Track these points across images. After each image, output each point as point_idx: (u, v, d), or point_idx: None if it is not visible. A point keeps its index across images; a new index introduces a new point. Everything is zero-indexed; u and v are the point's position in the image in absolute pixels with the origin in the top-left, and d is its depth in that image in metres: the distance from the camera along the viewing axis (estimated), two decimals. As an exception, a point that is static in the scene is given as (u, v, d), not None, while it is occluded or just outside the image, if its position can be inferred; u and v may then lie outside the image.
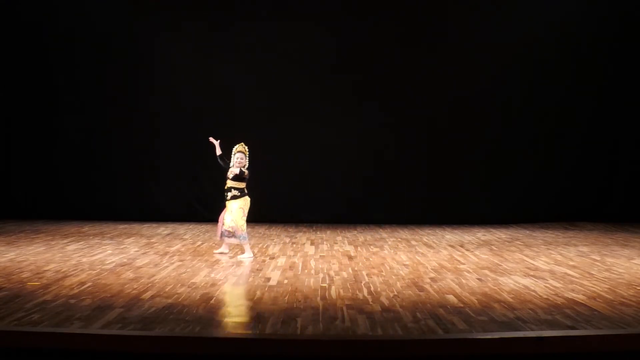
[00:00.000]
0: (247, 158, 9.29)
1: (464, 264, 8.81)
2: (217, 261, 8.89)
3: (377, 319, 5.88)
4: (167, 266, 8.39)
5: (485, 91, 13.80)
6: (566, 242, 10.95)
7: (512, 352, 5.25)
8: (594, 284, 7.42)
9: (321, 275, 7.92)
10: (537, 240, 11.30)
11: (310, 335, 5.41)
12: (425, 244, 10.74)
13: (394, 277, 7.84)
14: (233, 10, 13.79)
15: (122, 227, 12.54)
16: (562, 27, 13.88)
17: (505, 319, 5.88)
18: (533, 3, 13.88)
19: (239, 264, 8.66)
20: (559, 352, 5.25)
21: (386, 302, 6.51)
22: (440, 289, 7.14)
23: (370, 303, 6.48)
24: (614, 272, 8.23)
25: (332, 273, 8.06)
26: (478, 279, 7.73)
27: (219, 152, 9.43)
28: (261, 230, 12.48)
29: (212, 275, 7.93)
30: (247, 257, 9.10)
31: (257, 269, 8.26)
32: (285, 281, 7.51)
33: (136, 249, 9.81)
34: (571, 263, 8.88)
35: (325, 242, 10.90)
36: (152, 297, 6.62)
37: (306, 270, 8.22)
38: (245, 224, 9.17)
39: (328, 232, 12.33)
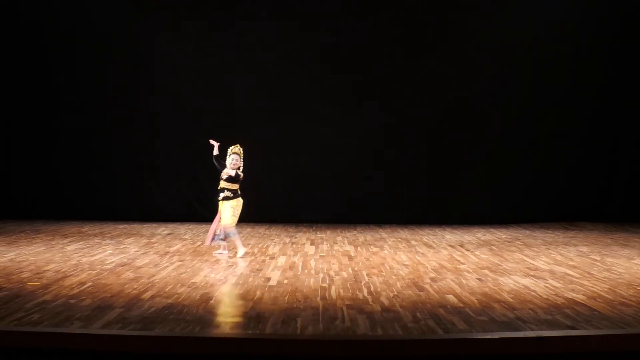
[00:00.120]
0: (242, 160, 9.28)
1: (464, 264, 8.81)
2: (217, 261, 8.89)
3: (377, 319, 5.88)
4: (167, 266, 8.39)
5: (485, 91, 13.80)
6: (566, 242, 10.95)
7: (512, 352, 5.25)
8: (594, 284, 7.42)
9: (321, 275, 7.92)
10: (537, 240, 11.30)
11: (310, 335, 5.41)
12: (425, 244, 10.74)
13: (394, 277, 7.84)
14: (233, 10, 13.79)
15: (122, 227, 12.54)
16: (562, 27, 13.88)
17: (505, 319, 5.88)
18: (533, 3, 13.88)
19: (239, 264, 8.66)
20: (559, 352, 5.25)
21: (386, 302, 6.51)
22: (440, 289, 7.14)
23: (370, 303, 6.48)
24: (614, 272, 8.23)
25: (332, 273, 8.06)
26: (478, 279, 7.73)
27: (216, 152, 9.42)
28: (261, 230, 12.48)
29: (212, 275, 7.93)
30: (240, 253, 9.18)
31: (257, 269, 8.26)
32: (285, 281, 7.51)
33: (136, 249, 9.81)
34: (571, 263, 8.87)
35: (325, 242, 10.90)
36: (152, 297, 6.62)
37: (306, 270, 8.22)
38: (233, 221, 9.18)
39: (328, 232, 12.34)
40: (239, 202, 9.26)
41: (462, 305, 6.42)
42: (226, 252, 9.37)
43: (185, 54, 13.82)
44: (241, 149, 9.32)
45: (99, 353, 5.23)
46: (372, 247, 10.41)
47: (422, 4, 13.90)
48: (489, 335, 5.40)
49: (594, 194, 14.08)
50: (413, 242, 10.95)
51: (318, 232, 12.26)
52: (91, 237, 11.10)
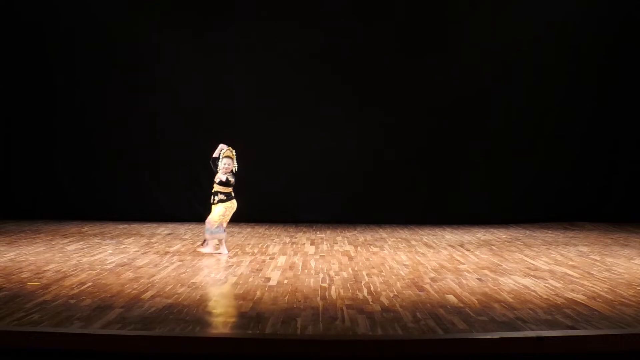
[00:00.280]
0: (235, 162, 9.29)
1: (464, 264, 8.81)
2: (217, 261, 8.89)
3: (377, 319, 5.88)
4: (167, 266, 8.39)
5: (485, 91, 13.81)
6: (566, 242, 10.95)
7: (512, 352, 5.25)
8: (594, 284, 7.42)
9: (321, 275, 7.92)
10: (537, 240, 11.30)
11: (310, 335, 5.41)
12: (425, 244, 10.74)
13: (394, 277, 7.84)
14: (233, 10, 13.79)
15: (122, 227, 12.54)
16: (562, 27, 13.88)
17: (505, 319, 5.88)
18: (533, 3, 13.88)
19: (239, 264, 8.66)
20: (559, 352, 5.25)
21: (386, 302, 6.51)
22: (440, 289, 7.14)
23: (370, 303, 6.48)
24: (614, 272, 8.23)
25: (332, 273, 8.05)
26: (478, 279, 7.73)
27: (215, 154, 9.43)
28: (261, 230, 12.48)
29: (212, 275, 7.94)
30: (206, 251, 9.26)
31: (257, 269, 8.26)
32: (285, 281, 7.51)
33: (136, 249, 9.81)
34: (571, 263, 8.87)
35: (325, 242, 10.90)
36: (152, 297, 6.62)
37: (306, 270, 8.22)
38: (217, 222, 9.21)
39: (328, 232, 12.33)
40: (232, 204, 9.31)
41: (462, 305, 6.41)
42: (226, 252, 9.38)
43: (185, 54, 13.82)
44: (234, 152, 9.32)
45: (99, 353, 5.23)
46: (372, 247, 10.41)
47: (422, 4, 13.89)
48: (489, 335, 5.39)
49: (594, 193, 14.08)
50: (413, 242, 10.95)
51: (318, 232, 12.26)
52: (91, 237, 11.10)
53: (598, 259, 9.24)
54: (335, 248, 10.26)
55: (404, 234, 12.14)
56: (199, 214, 13.46)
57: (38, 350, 5.26)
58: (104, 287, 7.07)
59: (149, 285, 7.20)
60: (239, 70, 13.83)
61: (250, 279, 7.61)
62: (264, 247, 10.29)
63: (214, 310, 6.34)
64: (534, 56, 13.83)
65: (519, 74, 13.82)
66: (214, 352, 5.22)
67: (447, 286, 7.30)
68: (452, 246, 10.52)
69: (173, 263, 8.63)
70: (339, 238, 11.47)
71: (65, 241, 10.60)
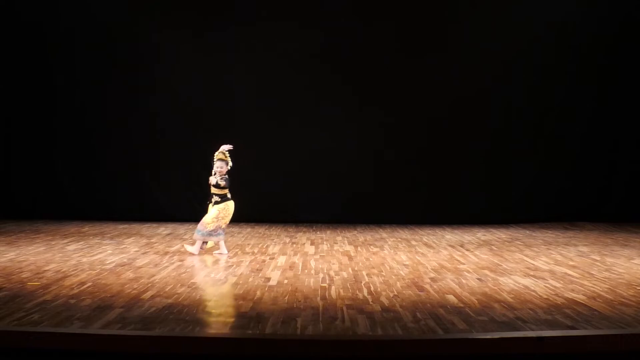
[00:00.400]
0: (229, 164, 9.29)
1: (464, 264, 8.81)
2: (217, 261, 8.89)
3: (377, 319, 5.88)
4: (167, 266, 8.39)
5: (485, 91, 13.81)
6: (566, 242, 10.95)
7: (512, 352, 5.25)
8: (594, 284, 7.42)
9: (321, 275, 7.92)
10: (537, 240, 11.30)
11: (310, 335, 5.41)
12: (425, 244, 10.74)
13: (394, 277, 7.84)
14: (233, 10, 13.79)
15: (122, 227, 12.54)
16: (562, 27, 13.88)
17: (505, 319, 5.88)
18: (533, 3, 13.88)
19: (238, 264, 8.66)
20: (559, 352, 5.25)
21: (386, 302, 6.51)
22: (440, 289, 7.14)
23: (370, 303, 6.48)
24: (614, 272, 8.23)
25: (332, 273, 8.05)
26: (478, 279, 7.73)
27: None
28: (261, 230, 12.48)
29: (212, 275, 7.93)
30: (193, 249, 9.23)
31: (257, 269, 8.26)
32: (285, 281, 7.51)
33: (136, 249, 9.81)
34: (571, 263, 8.87)
35: (325, 242, 10.90)
36: (152, 297, 6.62)
37: (306, 270, 8.22)
38: (214, 222, 9.19)
39: (328, 232, 12.34)
40: (226, 206, 9.30)
41: (462, 305, 6.41)
42: (226, 252, 9.38)
43: (185, 54, 13.82)
44: (226, 154, 9.32)
45: (99, 353, 5.23)
46: (372, 247, 10.41)
47: (422, 4, 13.89)
48: (489, 335, 5.39)
49: (594, 193, 14.08)
50: (413, 242, 10.95)
51: (318, 232, 12.26)
52: (91, 237, 11.10)
53: (598, 259, 9.24)
54: (335, 248, 10.26)
55: (404, 234, 12.14)
56: (199, 214, 13.51)
57: (38, 350, 5.26)
58: (104, 287, 7.07)
59: (149, 285, 7.20)
60: (239, 70, 13.83)
61: (250, 279, 7.61)
62: (264, 247, 10.29)
63: (214, 310, 6.34)
64: (534, 56, 13.83)
65: (519, 74, 13.82)
66: (214, 352, 5.22)
67: (447, 286, 7.30)
68: (452, 246, 10.52)
69: (173, 263, 8.62)
70: (339, 238, 11.47)
71: (65, 241, 10.60)
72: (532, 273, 8.08)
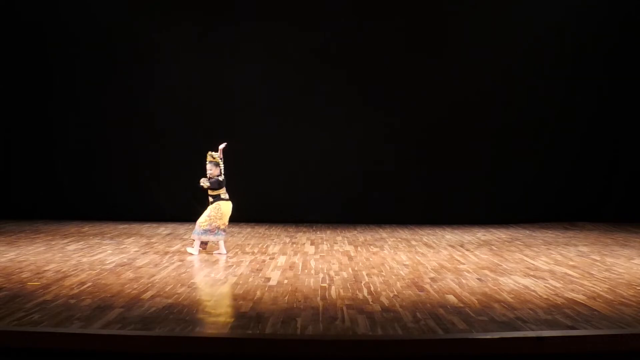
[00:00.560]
0: (219, 165, 9.34)
1: (464, 264, 8.81)
2: (216, 261, 8.89)
3: (377, 319, 5.88)
4: (167, 266, 8.39)
5: (485, 91, 13.81)
6: (566, 242, 10.95)
7: (512, 352, 5.25)
8: (594, 284, 7.42)
9: (321, 275, 7.92)
10: (537, 240, 11.30)
11: (310, 335, 5.41)
12: (425, 244, 10.74)
13: (394, 277, 7.84)
14: (233, 10, 13.79)
15: (122, 227, 12.54)
16: (562, 27, 13.88)
17: (505, 319, 5.88)
18: (533, 3, 13.87)
19: (239, 264, 8.66)
20: (559, 352, 5.25)
21: (386, 302, 6.51)
22: (440, 289, 7.14)
23: (370, 303, 6.48)
24: (614, 272, 8.23)
25: (332, 273, 8.05)
26: (478, 279, 7.73)
27: (220, 156, 9.48)
28: (261, 230, 12.48)
29: (212, 275, 7.94)
30: (193, 250, 9.28)
31: (257, 269, 8.26)
32: (285, 281, 7.51)
33: (136, 249, 9.81)
34: (571, 263, 8.87)
35: (325, 242, 10.90)
36: (152, 297, 6.62)
37: (306, 270, 8.22)
38: (207, 222, 9.23)
39: (328, 232, 12.34)
40: (219, 206, 9.33)
41: (462, 305, 6.41)
42: (225, 252, 9.38)
43: (185, 54, 13.83)
44: (215, 156, 9.38)
45: (99, 353, 5.23)
46: (372, 247, 10.41)
47: (423, 5, 13.88)
48: (489, 335, 5.40)
49: (593, 194, 14.08)
50: (413, 242, 10.95)
51: (318, 232, 12.26)
52: (91, 237, 11.10)
53: (598, 259, 9.24)
54: (335, 248, 10.26)
55: (404, 234, 12.14)
56: (199, 214, 13.51)
57: (38, 350, 5.26)
58: (104, 287, 7.07)
59: (149, 285, 7.20)
60: (239, 70, 13.83)
61: (250, 279, 7.61)
62: (264, 247, 10.29)
63: (214, 310, 6.34)
64: (534, 56, 13.83)
65: (519, 74, 13.82)
66: (214, 352, 5.23)
67: (447, 286, 7.30)
68: (452, 246, 10.52)
69: (173, 263, 8.63)
70: (339, 238, 11.47)
71: (65, 241, 10.60)
72: (532, 273, 8.08)
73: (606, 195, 14.13)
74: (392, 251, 9.94)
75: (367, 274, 7.99)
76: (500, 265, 8.70)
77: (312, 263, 8.78)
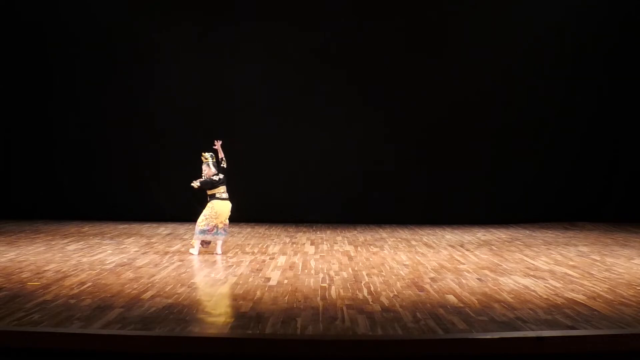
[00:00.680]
0: (210, 165, 9.38)
1: (464, 264, 8.81)
2: (216, 261, 8.89)
3: (377, 319, 5.88)
4: (167, 266, 8.39)
5: (485, 92, 13.81)
6: (566, 242, 10.95)
7: (512, 352, 5.25)
8: (594, 284, 7.42)
9: (321, 275, 7.92)
10: (537, 240, 11.30)
11: (310, 335, 5.41)
12: (425, 244, 10.74)
13: (394, 277, 7.84)
14: (233, 10, 13.79)
15: (122, 227, 12.54)
16: (562, 27, 13.88)
17: (505, 319, 5.88)
18: (533, 3, 13.87)
19: (238, 264, 8.66)
20: (559, 352, 5.25)
21: (386, 302, 6.51)
22: (440, 289, 7.14)
23: (370, 303, 6.48)
24: (614, 272, 8.23)
25: (332, 273, 8.05)
26: (478, 279, 7.73)
27: (220, 155, 9.49)
28: (261, 230, 12.48)
29: (212, 275, 7.93)
30: (191, 251, 9.32)
31: (257, 269, 8.26)
32: (285, 281, 7.51)
33: (136, 249, 9.81)
34: (571, 263, 8.87)
35: (325, 242, 10.90)
36: (152, 297, 6.62)
37: (306, 270, 8.22)
38: (204, 222, 9.25)
39: (328, 232, 12.33)
40: (212, 204, 9.35)
41: (462, 305, 6.41)
42: (219, 252, 9.35)
43: (185, 54, 13.83)
44: (207, 156, 9.41)
45: (99, 353, 5.23)
46: (372, 247, 10.41)
47: (423, 5, 13.88)
48: (489, 335, 5.40)
49: (594, 194, 14.09)
50: (413, 242, 10.95)
51: (318, 232, 12.26)
52: (91, 237, 11.10)
53: (598, 259, 9.24)
54: (335, 248, 10.26)
55: (404, 234, 12.14)
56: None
57: (38, 350, 5.26)
58: (104, 287, 7.07)
59: (149, 285, 7.20)
60: (239, 70, 13.83)
61: (250, 279, 7.61)
62: (264, 247, 10.29)
63: (214, 310, 6.34)
64: (534, 56, 13.83)
65: (519, 74, 13.82)
66: (214, 352, 5.22)
67: (447, 286, 7.30)
68: (452, 246, 10.52)
69: (173, 263, 8.63)
70: (339, 238, 11.47)
71: (65, 241, 10.60)
72: (532, 273, 8.08)
73: (606, 195, 14.13)
74: (392, 251, 9.94)
75: (367, 274, 7.99)
76: (500, 265, 8.70)
77: (312, 263, 8.78)
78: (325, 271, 8.18)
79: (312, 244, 10.73)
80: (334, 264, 8.75)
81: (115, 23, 13.76)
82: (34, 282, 7.33)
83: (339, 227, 13.05)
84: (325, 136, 13.80)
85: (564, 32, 13.89)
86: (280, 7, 13.73)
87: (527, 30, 13.81)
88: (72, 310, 6.05)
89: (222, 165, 9.44)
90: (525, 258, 9.28)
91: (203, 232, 9.28)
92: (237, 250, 9.85)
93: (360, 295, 6.81)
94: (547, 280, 7.63)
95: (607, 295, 6.85)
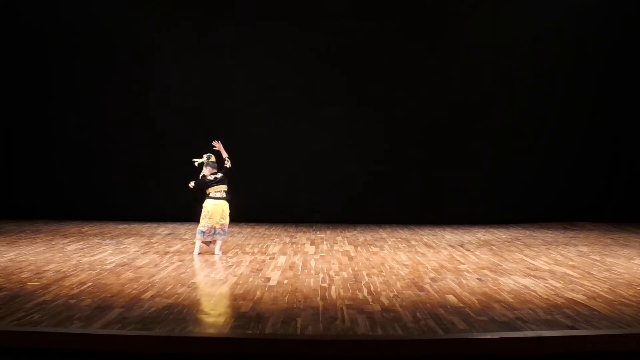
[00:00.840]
0: (204, 165, 9.43)
1: (464, 264, 8.81)
2: (216, 261, 8.89)
3: (377, 319, 5.88)
4: (167, 266, 8.38)
5: (485, 92, 13.81)
6: (566, 242, 10.95)
7: (512, 352, 5.25)
8: (594, 284, 7.42)
9: (321, 275, 7.91)
10: (537, 240, 11.30)
11: (310, 335, 5.41)
12: (425, 244, 10.73)
13: (394, 277, 7.83)
14: (233, 10, 13.79)
15: (122, 227, 12.54)
16: (562, 27, 13.88)
17: (505, 319, 5.88)
18: (533, 3, 13.87)
19: (239, 264, 8.66)
20: (559, 352, 5.25)
21: (386, 302, 6.51)
22: (440, 289, 7.14)
23: (370, 303, 6.48)
24: (614, 272, 8.23)
25: (332, 273, 8.05)
26: (478, 279, 7.72)
27: (224, 154, 9.49)
28: (261, 230, 12.48)
29: (212, 275, 7.93)
30: (194, 252, 9.33)
31: (257, 269, 8.26)
32: (285, 281, 7.51)
33: (136, 249, 9.81)
34: (571, 263, 8.87)
35: (325, 242, 10.89)
36: (152, 297, 6.62)
37: (306, 270, 8.22)
38: (202, 223, 9.29)
39: (328, 232, 12.33)
40: (204, 205, 9.39)
41: (462, 305, 6.41)
42: (217, 252, 9.35)
43: (185, 54, 13.83)
44: (203, 156, 9.42)
45: (99, 353, 5.23)
46: (372, 247, 10.41)
47: (422, 5, 13.88)
48: (489, 335, 5.39)
49: (593, 194, 14.09)
50: (413, 242, 10.95)
51: (318, 232, 12.26)
52: (91, 237, 11.10)
53: (598, 259, 9.24)
54: (335, 248, 10.25)
55: (404, 234, 12.14)
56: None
57: (38, 350, 5.26)
58: (104, 287, 7.07)
59: (149, 285, 7.19)
60: (239, 70, 13.84)
61: (250, 279, 7.61)
62: (264, 247, 10.29)
63: (214, 310, 6.34)
64: (534, 56, 13.83)
65: (519, 74, 13.83)
66: (214, 352, 5.22)
67: (447, 286, 7.30)
68: (452, 246, 10.52)
69: (173, 263, 8.62)
70: (339, 238, 11.47)
71: (65, 241, 10.60)
72: (532, 273, 8.08)
73: (606, 195, 14.14)
74: (392, 251, 9.94)
75: (367, 274, 7.99)
76: (500, 265, 8.70)
77: (312, 263, 8.78)
78: (325, 271, 8.18)
79: (312, 244, 10.73)
80: (334, 264, 8.75)
81: (115, 23, 13.77)
82: (34, 282, 7.33)
83: (339, 227, 13.05)
84: (325, 136, 13.80)
85: (564, 32, 13.89)
86: (280, 8, 13.73)
87: (527, 30, 13.82)
88: (72, 310, 6.05)
89: (225, 165, 9.42)
90: (525, 258, 9.28)
91: (202, 233, 9.30)
92: (237, 250, 9.85)
93: (360, 295, 6.81)
94: (547, 280, 7.63)
95: (607, 295, 6.85)
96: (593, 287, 7.25)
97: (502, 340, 5.30)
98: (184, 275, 7.83)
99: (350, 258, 9.24)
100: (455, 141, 13.88)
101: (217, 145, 9.48)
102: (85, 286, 7.13)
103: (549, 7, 13.83)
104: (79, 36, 13.87)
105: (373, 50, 13.84)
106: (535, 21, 13.82)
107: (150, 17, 13.77)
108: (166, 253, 9.47)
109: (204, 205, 9.38)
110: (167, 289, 6.99)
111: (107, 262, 8.67)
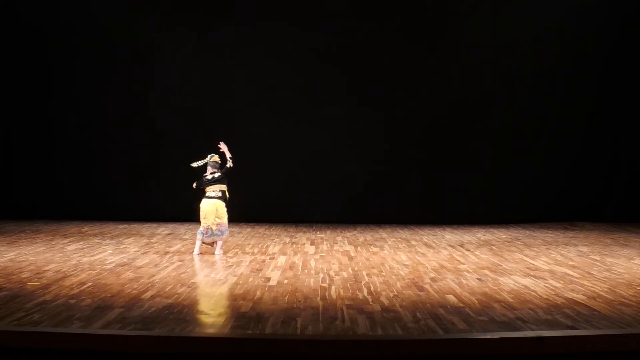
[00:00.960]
0: (210, 165, 9.50)
1: (464, 264, 8.81)
2: (216, 261, 8.89)
3: (377, 319, 5.88)
4: (167, 266, 8.39)
5: (485, 91, 13.81)
6: (566, 242, 10.95)
7: (512, 352, 5.25)
8: (594, 284, 7.42)
9: (321, 275, 7.92)
10: (537, 240, 11.29)
11: (310, 335, 5.41)
12: (425, 244, 10.73)
13: (394, 277, 7.83)
14: (233, 11, 13.79)
15: (122, 227, 12.55)
16: (562, 27, 13.88)
17: (505, 319, 5.88)
18: (533, 3, 13.87)
19: (239, 264, 8.66)
20: (559, 352, 5.25)
21: (386, 302, 6.51)
22: (440, 289, 7.14)
23: (370, 303, 6.48)
24: (614, 272, 8.23)
25: (332, 273, 8.05)
26: (478, 279, 7.72)
27: (227, 155, 9.51)
28: (261, 230, 12.48)
29: (212, 275, 7.93)
30: (194, 252, 9.36)
31: (257, 269, 8.26)
32: (285, 281, 7.51)
33: (136, 249, 9.81)
34: (571, 263, 8.87)
35: (325, 242, 10.89)
36: (152, 297, 6.62)
37: (306, 270, 8.22)
38: (202, 222, 9.31)
39: (328, 232, 12.33)
40: (201, 205, 9.39)
41: (462, 305, 6.41)
42: (217, 252, 9.36)
43: (185, 54, 13.83)
44: (211, 158, 9.46)
45: (99, 353, 5.23)
46: (372, 247, 10.41)
47: (422, 5, 13.88)
48: (489, 335, 5.39)
49: (593, 194, 14.09)
50: (413, 242, 10.95)
51: (318, 232, 12.26)
52: (91, 237, 11.10)
53: (598, 259, 9.24)
54: (335, 248, 10.25)
55: (404, 234, 12.14)
56: (199, 214, 13.52)
57: (38, 350, 5.26)
58: (104, 287, 7.07)
59: (149, 285, 7.20)
60: (239, 70, 13.83)
61: (250, 279, 7.61)
62: (264, 247, 10.29)
63: (214, 310, 6.34)
64: (534, 56, 13.83)
65: (519, 74, 13.83)
66: (214, 352, 5.22)
67: (447, 286, 7.30)
68: (452, 246, 10.52)
69: (173, 263, 8.63)
70: (339, 238, 11.47)
71: (65, 241, 10.60)
72: (532, 273, 8.08)
73: (606, 195, 14.13)
74: (392, 251, 9.94)
75: (367, 274, 7.99)
76: (500, 265, 8.70)
77: (312, 263, 8.78)
78: (325, 271, 8.18)
79: (312, 244, 10.73)
80: (334, 264, 8.75)
81: (115, 23, 13.76)
82: (34, 282, 7.33)
83: (339, 227, 13.05)
84: (325, 136, 13.80)
85: (564, 32, 13.89)
86: (280, 8, 13.73)
87: (527, 30, 13.81)
88: (72, 310, 6.05)
89: (226, 164, 9.43)
90: (525, 258, 9.28)
91: (201, 233, 9.32)
92: (237, 250, 9.85)
93: (360, 295, 6.81)
94: (547, 280, 7.63)
95: (607, 295, 6.85)
96: (593, 287, 7.25)
97: (502, 340, 5.30)
98: (184, 275, 7.83)
99: (350, 258, 9.24)
100: (455, 141, 13.88)
101: (222, 147, 9.49)
102: (85, 286, 7.13)
103: (549, 7, 13.83)
104: (79, 36, 13.87)
105: (373, 50, 13.84)
106: (535, 21, 13.82)
107: (150, 17, 13.76)
108: (166, 253, 9.47)
109: (200, 205, 9.39)
110: (167, 289, 6.99)
111: (107, 262, 8.67)
